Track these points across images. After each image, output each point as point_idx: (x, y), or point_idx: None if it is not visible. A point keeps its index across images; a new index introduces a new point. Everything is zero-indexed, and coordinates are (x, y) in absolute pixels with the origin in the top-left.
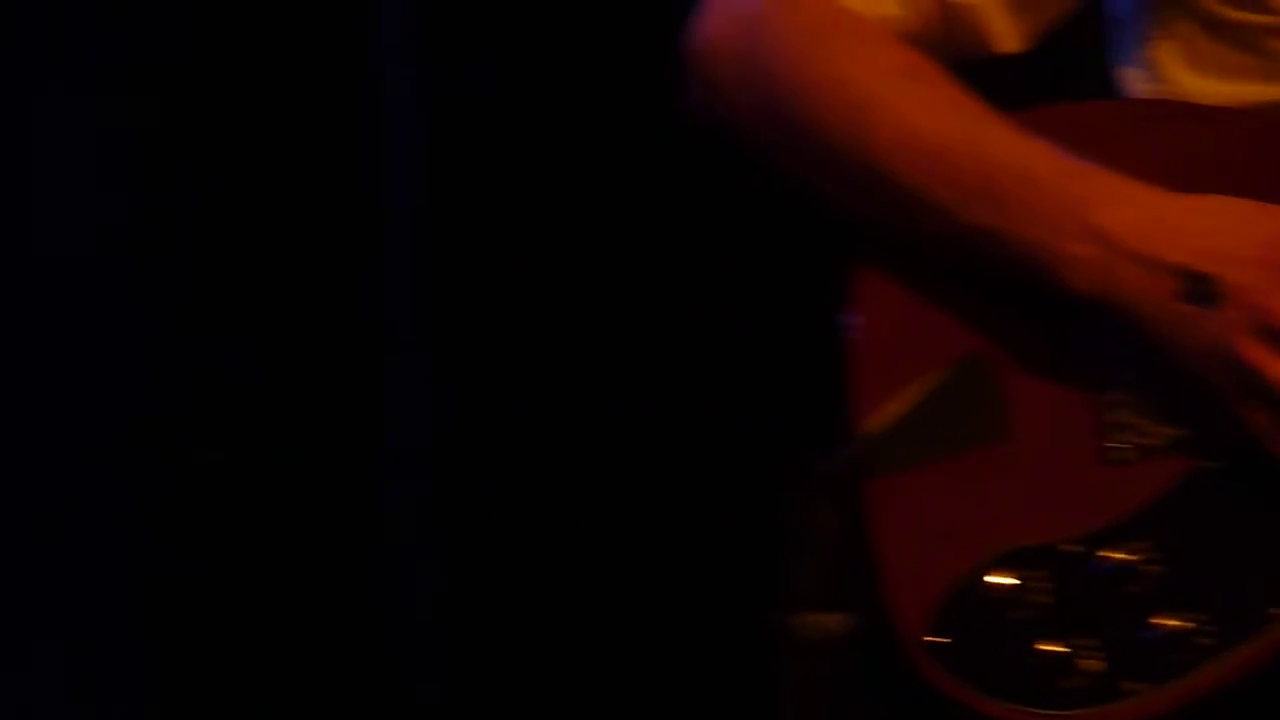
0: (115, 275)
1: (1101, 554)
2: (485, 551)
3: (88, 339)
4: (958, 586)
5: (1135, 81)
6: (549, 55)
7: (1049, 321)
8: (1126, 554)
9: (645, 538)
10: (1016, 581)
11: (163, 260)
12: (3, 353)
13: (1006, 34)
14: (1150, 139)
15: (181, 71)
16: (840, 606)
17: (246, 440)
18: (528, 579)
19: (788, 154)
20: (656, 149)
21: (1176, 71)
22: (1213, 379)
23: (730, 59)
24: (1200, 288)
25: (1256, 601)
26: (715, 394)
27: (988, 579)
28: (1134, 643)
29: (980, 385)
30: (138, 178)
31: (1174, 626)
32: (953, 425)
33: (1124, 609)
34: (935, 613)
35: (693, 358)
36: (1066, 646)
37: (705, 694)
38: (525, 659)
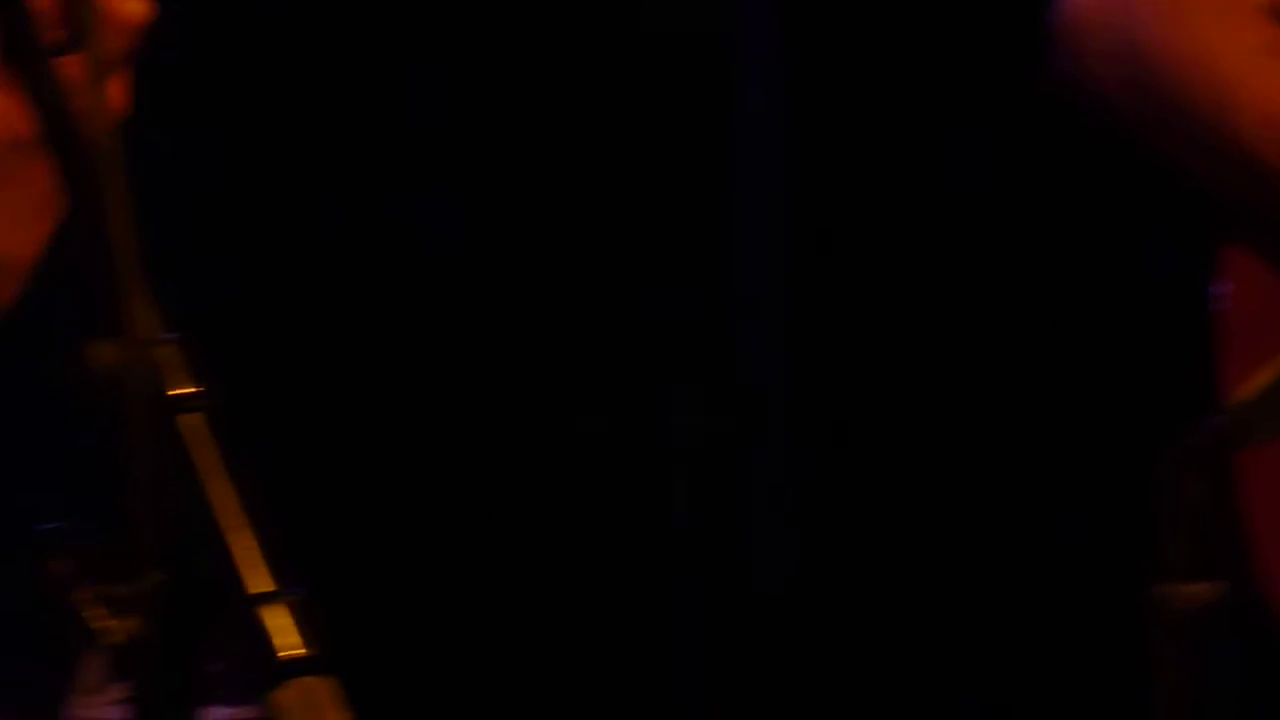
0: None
1: None
2: (845, 536)
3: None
4: None
5: None
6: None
7: None
8: None
9: (1016, 513)
10: None
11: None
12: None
13: None
14: None
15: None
16: (1211, 576)
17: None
18: (897, 557)
19: (1154, 130)
20: (1021, 127)
21: None
22: None
23: (1097, 33)
24: None
25: None
26: (1086, 368)
27: None
28: None
29: None
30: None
31: None
32: None
33: None
34: None
35: (1063, 332)
36: None
37: (1076, 666)
38: (895, 635)
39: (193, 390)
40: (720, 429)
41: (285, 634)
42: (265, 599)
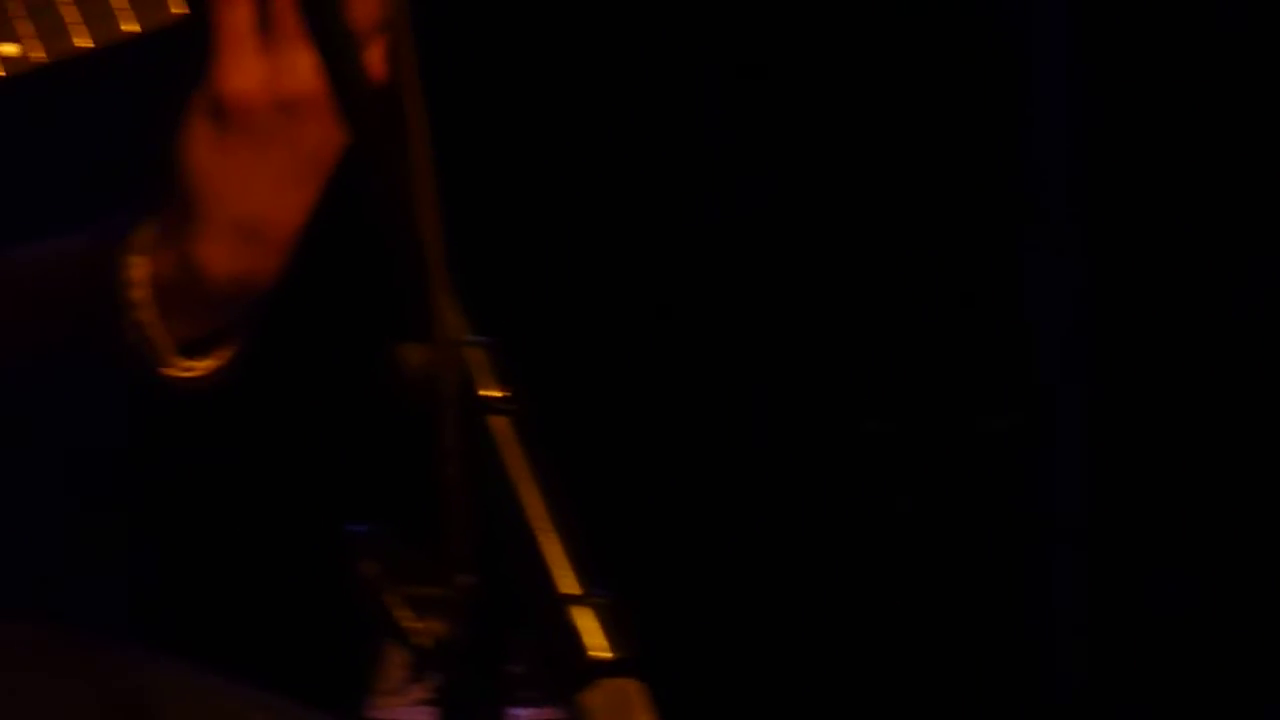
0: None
1: None
2: (1139, 553)
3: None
4: None
5: None
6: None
7: None
8: None
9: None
10: None
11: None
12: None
13: None
14: None
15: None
16: None
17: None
18: (1196, 556)
19: None
20: None
21: None
22: None
23: None
24: None
25: None
26: None
27: None
28: None
29: None
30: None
31: None
32: None
33: None
34: None
35: None
36: None
37: None
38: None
39: (501, 393)
40: (1012, 429)
41: (593, 636)
42: (573, 601)
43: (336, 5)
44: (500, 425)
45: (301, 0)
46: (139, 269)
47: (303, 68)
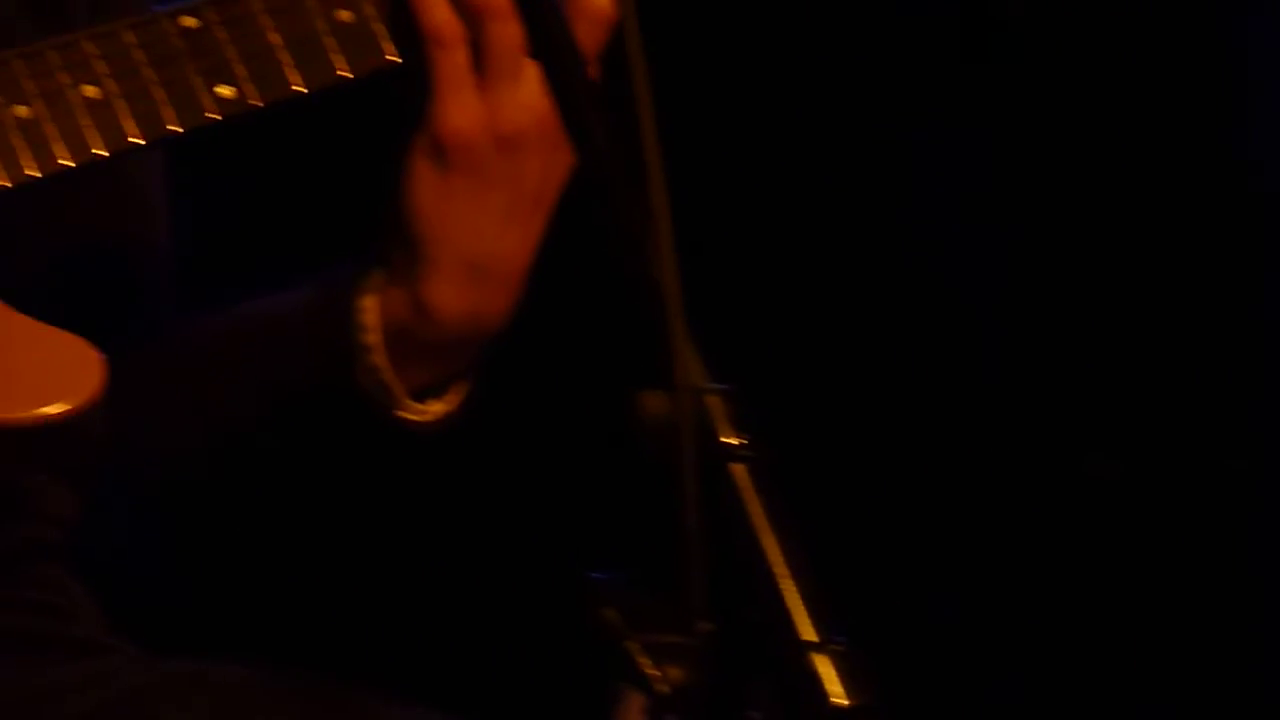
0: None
1: None
2: None
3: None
4: None
5: None
6: None
7: None
8: None
9: None
10: None
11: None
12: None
13: None
14: None
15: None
16: None
17: (1141, 454)
18: None
19: None
20: None
21: None
22: None
23: None
24: None
25: None
26: None
27: None
28: None
29: None
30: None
31: None
32: None
33: None
34: None
35: None
36: None
37: None
38: None
39: (740, 440)
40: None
41: (833, 683)
42: (813, 648)
43: (565, 34)
44: (740, 472)
45: (530, 30)
46: (370, 314)
47: (520, 105)
